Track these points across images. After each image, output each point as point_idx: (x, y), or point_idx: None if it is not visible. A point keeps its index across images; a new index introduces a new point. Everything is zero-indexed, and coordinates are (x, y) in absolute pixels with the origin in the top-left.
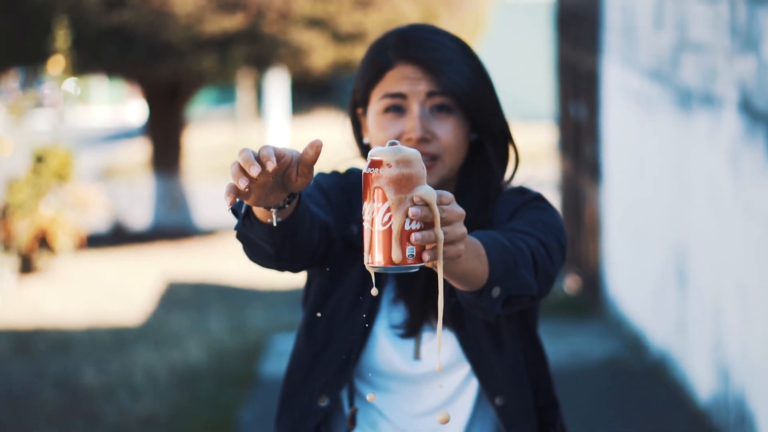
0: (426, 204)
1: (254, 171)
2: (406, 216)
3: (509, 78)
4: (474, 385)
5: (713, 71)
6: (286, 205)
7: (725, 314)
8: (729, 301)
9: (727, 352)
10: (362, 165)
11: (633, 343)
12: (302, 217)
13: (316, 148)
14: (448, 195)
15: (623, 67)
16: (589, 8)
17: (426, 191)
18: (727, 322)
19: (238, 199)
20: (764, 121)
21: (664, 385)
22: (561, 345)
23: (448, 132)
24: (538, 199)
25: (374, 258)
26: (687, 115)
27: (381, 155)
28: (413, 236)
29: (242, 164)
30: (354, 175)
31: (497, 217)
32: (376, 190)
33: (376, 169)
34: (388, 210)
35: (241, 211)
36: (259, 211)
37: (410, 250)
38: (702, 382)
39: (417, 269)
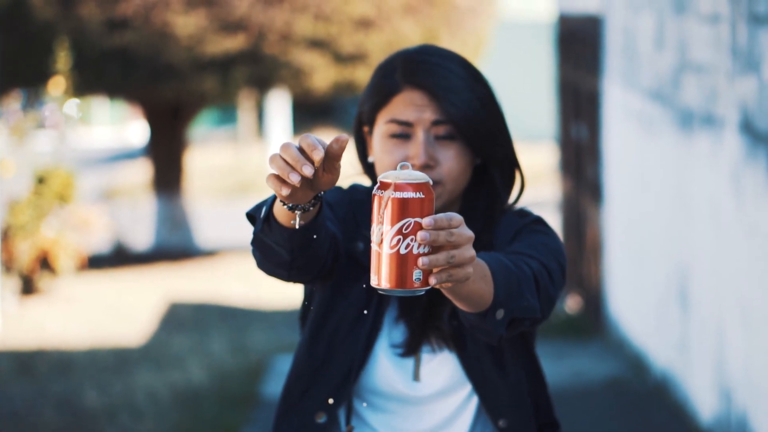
0: (434, 228)
1: (307, 170)
2: (414, 240)
3: (510, 98)
4: (473, 405)
5: (714, 92)
6: (311, 208)
7: (727, 334)
8: (731, 322)
9: (730, 372)
10: (365, 182)
11: (635, 364)
12: (321, 224)
13: (341, 143)
14: (457, 218)
15: (624, 88)
16: (590, 29)
17: (435, 215)
18: (729, 342)
19: (254, 204)
20: (765, 141)
21: (666, 405)
22: (563, 365)
23: (450, 159)
24: (539, 222)
25: (381, 280)
26: (688, 136)
27: (391, 178)
28: (421, 260)
29: (291, 162)
30: (358, 191)
31: (498, 239)
32: (385, 212)
33: (386, 192)
34: (397, 233)
35: (259, 216)
36: (281, 214)
37: (417, 273)
38: (704, 403)
39: (423, 293)
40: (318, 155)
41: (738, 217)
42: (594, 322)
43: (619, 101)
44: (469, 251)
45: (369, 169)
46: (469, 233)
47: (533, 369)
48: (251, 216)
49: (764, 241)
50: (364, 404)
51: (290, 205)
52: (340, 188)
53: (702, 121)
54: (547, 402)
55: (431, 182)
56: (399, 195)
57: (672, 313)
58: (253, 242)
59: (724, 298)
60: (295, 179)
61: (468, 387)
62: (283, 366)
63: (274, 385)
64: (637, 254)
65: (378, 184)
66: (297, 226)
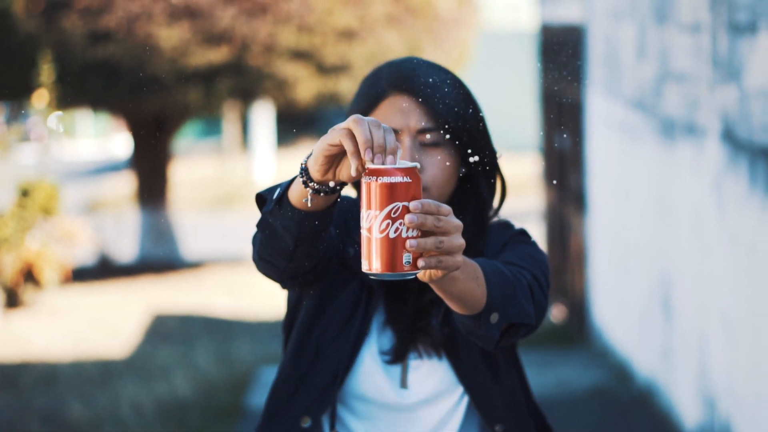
0: (422, 212)
1: (387, 159)
2: (403, 224)
3: (494, 108)
4: (460, 412)
5: (696, 101)
6: (321, 193)
7: (710, 343)
8: (714, 330)
9: (713, 380)
10: (351, 193)
11: (619, 372)
12: (330, 217)
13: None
14: (446, 207)
15: (607, 98)
16: (572, 39)
17: (423, 200)
18: (712, 351)
19: (268, 187)
20: (746, 150)
21: (650, 413)
22: (547, 374)
23: (435, 165)
24: (523, 233)
25: (371, 264)
26: (670, 145)
27: (378, 164)
28: (409, 242)
29: (378, 143)
30: (347, 201)
31: (487, 250)
32: (374, 198)
33: (375, 178)
34: (386, 217)
35: (271, 197)
36: (298, 195)
37: (407, 257)
38: (688, 411)
39: (413, 276)
40: (390, 160)
41: (720, 226)
42: (578, 331)
43: (602, 111)
44: (458, 239)
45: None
46: (458, 222)
47: (520, 376)
48: (262, 199)
49: (745, 249)
50: (348, 411)
51: (317, 187)
52: None
53: (684, 130)
54: (537, 409)
55: (418, 167)
56: (387, 180)
57: (655, 322)
58: (259, 224)
59: (707, 306)
60: (379, 161)
61: (456, 394)
62: (268, 377)
63: (260, 396)
64: (620, 263)
65: (366, 171)
66: (309, 204)
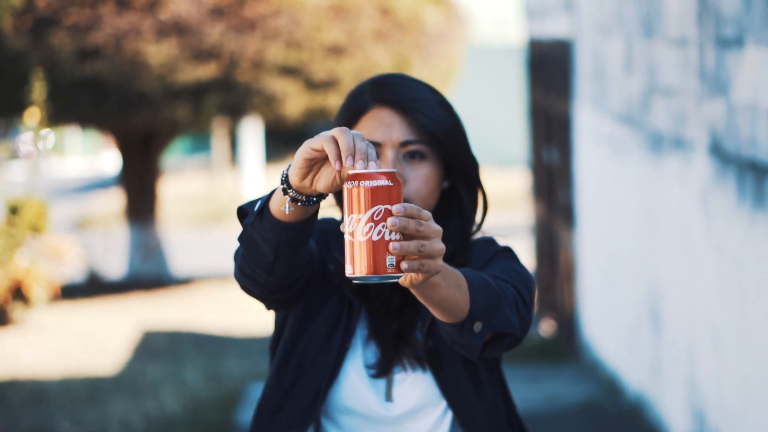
0: (404, 215)
1: (369, 165)
2: (386, 227)
3: (482, 123)
4: (446, 424)
5: (683, 115)
6: (299, 203)
7: (699, 356)
8: (702, 343)
9: (702, 393)
10: (336, 215)
11: (609, 386)
12: (310, 228)
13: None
14: (426, 212)
15: (595, 112)
16: (560, 53)
17: (405, 203)
18: (701, 364)
19: (249, 200)
20: (734, 163)
21: (639, 427)
22: (537, 389)
23: (418, 178)
24: (507, 250)
25: (355, 268)
26: (658, 159)
27: (360, 169)
28: (392, 245)
29: (360, 150)
30: (329, 223)
31: (471, 265)
32: (356, 202)
33: (357, 182)
34: (369, 220)
35: (252, 210)
36: (276, 205)
37: (390, 260)
38: (677, 424)
39: (396, 279)
40: (371, 161)
41: (707, 238)
42: (568, 345)
43: (590, 125)
44: (439, 244)
45: (339, 196)
46: (437, 227)
47: (503, 390)
48: (243, 213)
49: (733, 262)
50: (334, 426)
51: (294, 194)
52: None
53: (671, 144)
54: (520, 424)
55: (397, 172)
56: (369, 184)
57: (644, 335)
58: (241, 238)
59: (695, 319)
60: (360, 166)
61: (441, 405)
62: (258, 394)
63: (249, 413)
64: (609, 277)
65: (348, 176)
66: (287, 212)
